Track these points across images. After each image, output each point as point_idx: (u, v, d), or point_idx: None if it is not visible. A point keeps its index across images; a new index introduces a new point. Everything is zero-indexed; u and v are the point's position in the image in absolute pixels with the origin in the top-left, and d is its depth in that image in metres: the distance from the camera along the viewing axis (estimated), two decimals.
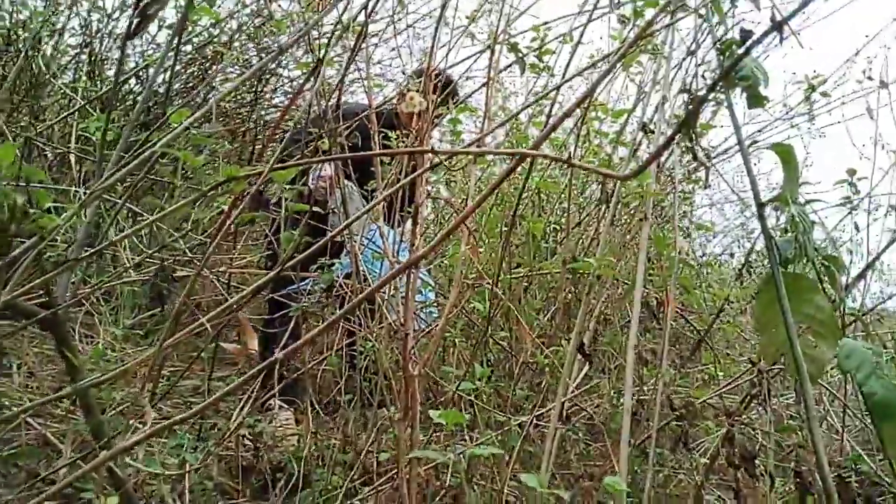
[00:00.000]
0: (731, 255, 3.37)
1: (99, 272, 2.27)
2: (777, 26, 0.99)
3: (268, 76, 3.10)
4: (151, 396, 1.04)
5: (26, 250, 0.99)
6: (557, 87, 1.56)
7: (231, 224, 1.14)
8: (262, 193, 1.57)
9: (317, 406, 2.17)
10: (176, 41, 1.29)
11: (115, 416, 1.28)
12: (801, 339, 1.08)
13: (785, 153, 1.07)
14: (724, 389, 1.75)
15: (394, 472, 1.87)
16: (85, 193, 1.08)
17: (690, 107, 1.07)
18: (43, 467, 1.36)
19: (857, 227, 1.58)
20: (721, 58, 1.09)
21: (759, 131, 1.87)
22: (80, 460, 1.17)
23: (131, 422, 1.15)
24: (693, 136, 1.13)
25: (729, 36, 1.20)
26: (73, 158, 1.69)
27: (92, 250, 0.98)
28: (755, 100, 1.09)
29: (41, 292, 1.05)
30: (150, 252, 1.51)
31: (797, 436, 1.48)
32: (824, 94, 1.87)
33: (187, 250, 1.58)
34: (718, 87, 1.02)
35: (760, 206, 1.06)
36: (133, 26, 0.98)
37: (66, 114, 2.21)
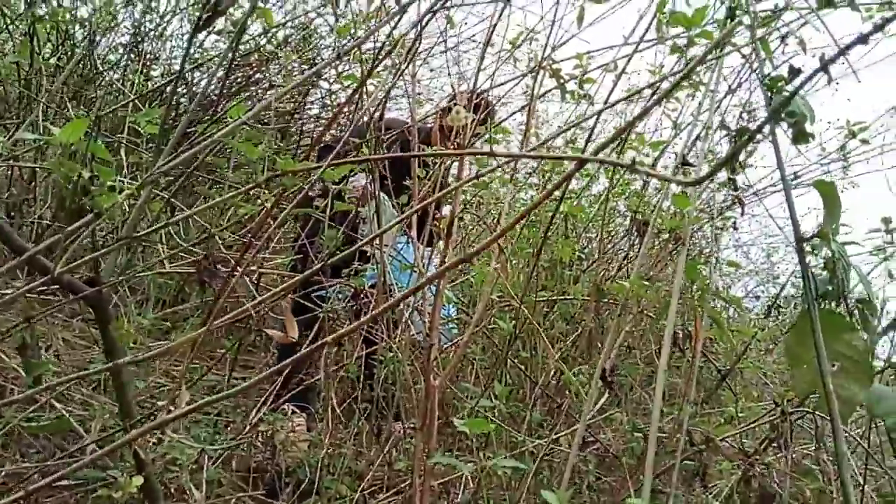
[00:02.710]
0: (757, 297, 3.35)
1: (128, 265, 2.32)
2: (823, 67, 1.00)
3: (309, 86, 3.17)
4: (187, 379, 1.06)
5: (82, 226, 1.02)
6: (599, 112, 1.59)
7: (270, 216, 1.17)
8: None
9: (330, 412, 2.18)
10: (235, 40, 1.33)
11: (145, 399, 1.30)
12: (832, 377, 1.07)
13: (827, 190, 1.08)
14: (743, 429, 1.73)
15: (405, 484, 1.87)
16: (132, 183, 1.11)
17: (737, 139, 1.09)
18: (70, 443, 1.39)
19: (891, 276, 1.57)
20: (769, 93, 1.11)
21: (795, 175, 1.88)
22: (108, 439, 1.19)
23: (161, 403, 1.17)
24: (735, 168, 1.14)
25: (773, 76, 1.22)
26: (122, 149, 1.75)
27: (143, 231, 1.01)
28: (801, 136, 1.10)
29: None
30: (188, 245, 1.55)
31: (818, 480, 1.46)
32: (864, 142, 1.88)
33: (228, 245, 1.61)
34: (766, 123, 1.03)
35: (800, 240, 1.07)
36: (203, 19, 1.03)
37: (115, 106, 2.28)
